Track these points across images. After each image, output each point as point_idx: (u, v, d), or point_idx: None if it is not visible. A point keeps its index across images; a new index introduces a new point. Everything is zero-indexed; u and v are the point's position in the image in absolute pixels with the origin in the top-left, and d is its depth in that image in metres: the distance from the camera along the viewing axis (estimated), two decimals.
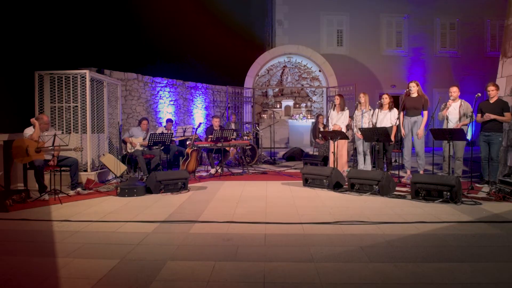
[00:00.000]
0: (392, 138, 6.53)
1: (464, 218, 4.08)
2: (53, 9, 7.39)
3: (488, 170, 5.96)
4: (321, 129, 9.12)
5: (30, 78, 6.53)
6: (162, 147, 7.02)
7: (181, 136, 8.79)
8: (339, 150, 6.87)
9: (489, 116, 5.73)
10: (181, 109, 10.48)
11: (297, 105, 13.99)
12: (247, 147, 9.47)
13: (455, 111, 6.17)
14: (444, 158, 6.26)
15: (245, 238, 3.46)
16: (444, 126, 6.26)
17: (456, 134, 5.56)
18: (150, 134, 6.90)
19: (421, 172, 6.33)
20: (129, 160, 7.52)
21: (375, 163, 6.88)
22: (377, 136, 6.01)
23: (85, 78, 6.63)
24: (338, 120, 7.19)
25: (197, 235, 3.60)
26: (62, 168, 5.68)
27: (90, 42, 9.34)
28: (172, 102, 10.16)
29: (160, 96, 9.80)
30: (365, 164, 6.94)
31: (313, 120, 12.51)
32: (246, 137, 9.57)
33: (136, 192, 5.45)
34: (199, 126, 7.81)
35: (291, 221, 4.01)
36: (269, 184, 6.49)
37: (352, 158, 8.05)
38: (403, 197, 5.17)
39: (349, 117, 7.42)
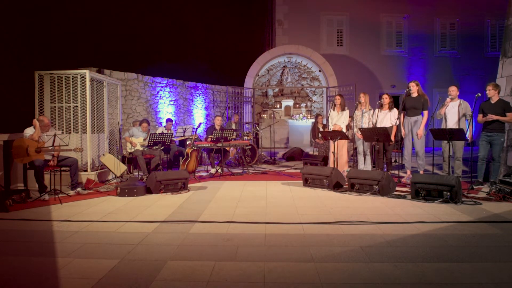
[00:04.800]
0: (392, 138, 6.53)
1: (464, 218, 4.08)
2: (53, 9, 7.40)
3: (483, 170, 5.96)
4: (320, 129, 9.13)
5: (30, 78, 6.53)
6: (162, 147, 7.02)
7: (181, 136, 8.79)
8: (339, 150, 6.87)
9: (492, 117, 5.73)
10: (181, 109, 10.48)
11: (297, 105, 13.99)
12: (247, 147, 9.47)
13: (453, 110, 6.16)
14: (443, 158, 6.26)
15: (245, 238, 3.46)
16: (442, 126, 6.26)
17: (456, 134, 5.56)
18: (150, 134, 6.90)
19: (421, 172, 6.33)
20: (129, 160, 7.52)
21: (375, 163, 6.88)
22: (377, 136, 6.00)
23: (85, 78, 6.63)
24: (338, 120, 7.19)
25: (197, 235, 3.60)
26: (62, 168, 5.68)
27: (90, 42, 9.34)
28: (172, 102, 10.16)
29: (160, 96, 9.80)
30: (365, 164, 6.94)
31: (313, 120, 12.52)
32: (246, 137, 9.57)
33: (136, 192, 5.45)
34: (199, 126, 7.81)
35: (291, 221, 4.01)
36: (269, 184, 6.49)
37: (352, 158, 8.05)
38: (403, 197, 5.17)
39: (349, 117, 7.42)
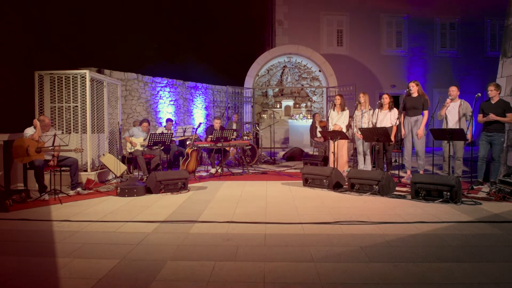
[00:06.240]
0: (392, 138, 6.53)
1: (464, 218, 4.08)
2: (53, 9, 7.40)
3: (483, 170, 5.96)
4: (318, 127, 9.14)
5: (30, 78, 6.53)
6: (162, 147, 7.02)
7: (181, 136, 8.79)
8: (339, 150, 6.87)
9: (493, 117, 5.73)
10: (181, 109, 10.48)
11: (297, 105, 14.00)
12: (247, 147, 9.47)
13: (454, 111, 6.17)
14: (444, 158, 6.26)
15: (245, 238, 3.46)
16: (443, 126, 6.26)
17: (456, 134, 5.56)
18: (150, 134, 6.90)
19: (421, 172, 6.33)
20: (129, 160, 7.52)
21: (375, 163, 6.88)
22: (377, 136, 6.00)
23: (85, 78, 6.63)
24: (338, 120, 7.19)
25: (197, 235, 3.60)
26: (62, 168, 5.68)
27: (90, 42, 9.35)
28: (172, 102, 10.16)
29: (160, 96, 9.80)
30: (365, 164, 6.94)
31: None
32: (246, 137, 9.57)
33: (136, 192, 5.45)
34: (199, 126, 7.81)
35: (291, 221, 4.01)
36: (269, 184, 6.49)
37: (352, 158, 8.05)
38: (403, 197, 5.17)
39: (349, 117, 7.42)
